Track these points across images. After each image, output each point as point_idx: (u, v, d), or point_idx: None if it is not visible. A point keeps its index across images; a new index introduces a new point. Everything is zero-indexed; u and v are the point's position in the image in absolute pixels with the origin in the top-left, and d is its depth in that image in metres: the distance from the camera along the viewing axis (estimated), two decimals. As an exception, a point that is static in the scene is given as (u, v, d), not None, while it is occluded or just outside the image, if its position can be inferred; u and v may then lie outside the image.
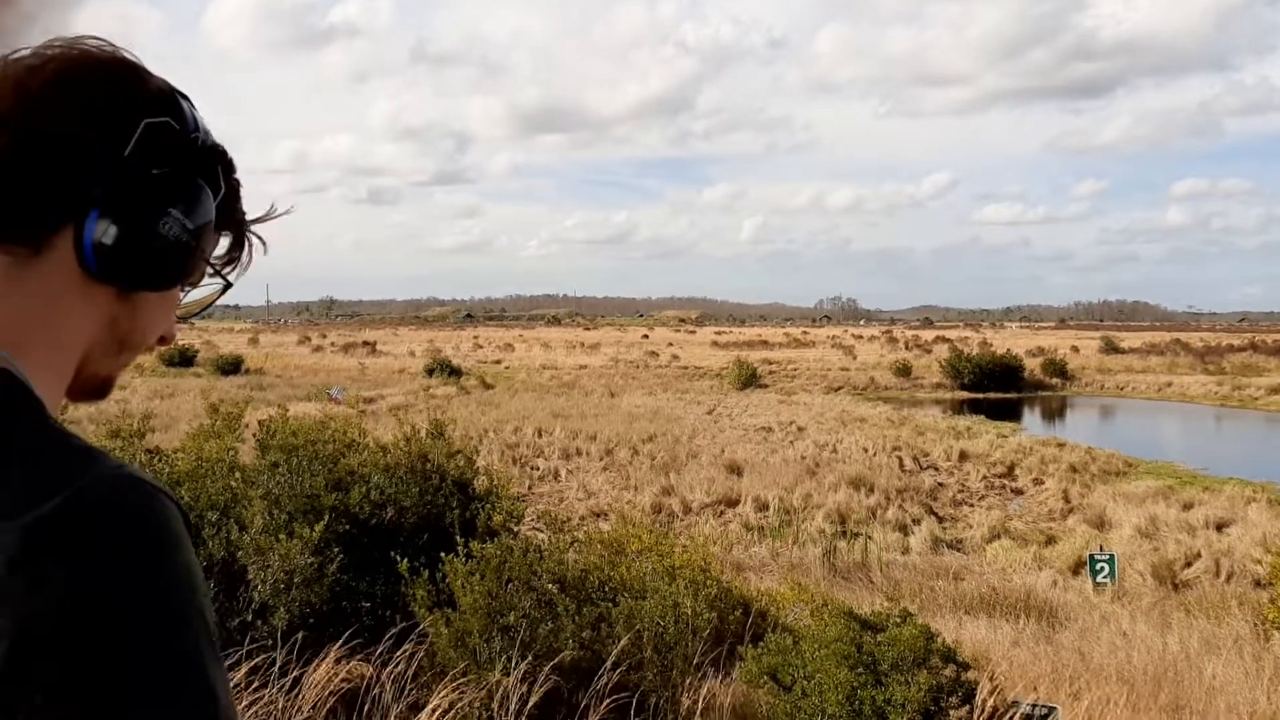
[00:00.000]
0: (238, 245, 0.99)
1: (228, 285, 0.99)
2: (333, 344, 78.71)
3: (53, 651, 0.68)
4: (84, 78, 0.86)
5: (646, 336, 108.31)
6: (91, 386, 0.93)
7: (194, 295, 0.98)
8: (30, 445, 0.76)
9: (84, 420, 24.65)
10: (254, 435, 8.85)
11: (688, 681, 5.86)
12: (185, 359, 51.56)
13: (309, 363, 58.08)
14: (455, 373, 47.71)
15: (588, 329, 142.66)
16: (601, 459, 24.34)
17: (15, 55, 0.86)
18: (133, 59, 0.90)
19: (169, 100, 0.90)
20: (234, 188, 0.96)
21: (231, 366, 49.88)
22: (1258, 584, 13.35)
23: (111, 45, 0.90)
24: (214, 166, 0.93)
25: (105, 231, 0.84)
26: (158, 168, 0.87)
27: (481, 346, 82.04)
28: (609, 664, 5.07)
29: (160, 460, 9.96)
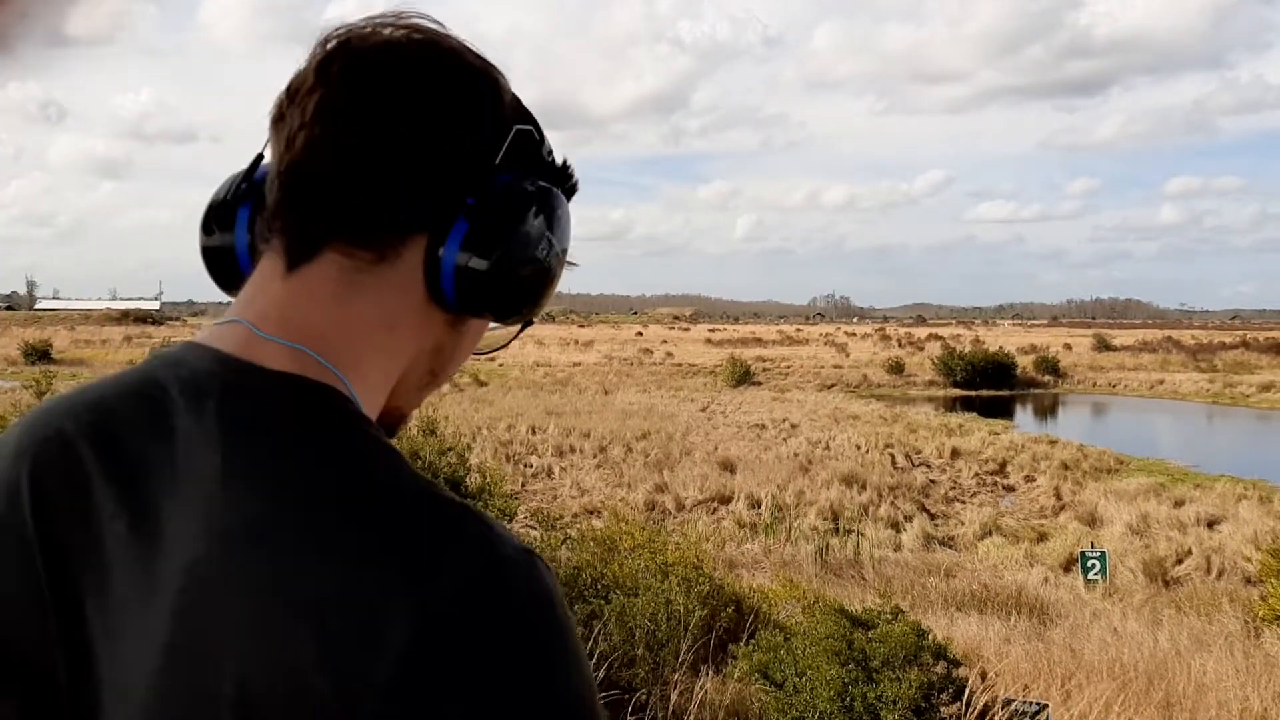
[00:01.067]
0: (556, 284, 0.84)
1: (529, 322, 0.85)
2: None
3: None
4: (462, 71, 0.76)
5: (641, 334, 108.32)
6: (389, 421, 0.81)
7: (492, 329, 0.86)
8: (395, 495, 0.65)
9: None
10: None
11: (680, 678, 5.87)
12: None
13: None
14: (448, 370, 47.63)
15: (582, 326, 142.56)
16: (595, 456, 24.34)
17: (375, 26, 0.76)
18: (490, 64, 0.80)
19: (525, 111, 0.81)
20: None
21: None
22: (1248, 581, 13.39)
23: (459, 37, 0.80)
24: (566, 188, 0.83)
25: (472, 256, 0.74)
26: (529, 182, 0.78)
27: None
28: (601, 661, 5.08)
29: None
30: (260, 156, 0.79)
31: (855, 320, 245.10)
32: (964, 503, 20.97)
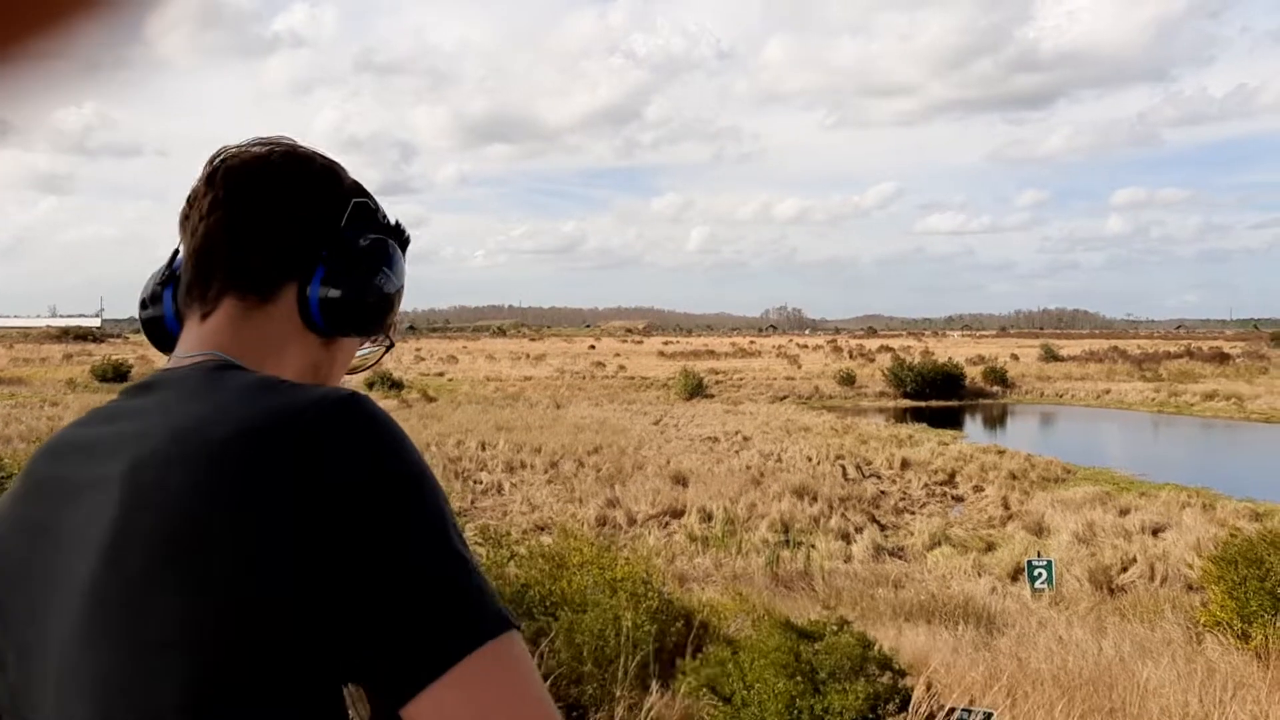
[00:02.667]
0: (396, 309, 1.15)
1: (391, 345, 1.19)
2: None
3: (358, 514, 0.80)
4: (311, 170, 1.05)
5: (593, 347, 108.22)
6: None
7: (361, 353, 1.16)
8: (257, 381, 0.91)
9: (14, 438, 24.10)
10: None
11: (628, 695, 5.84)
12: (119, 374, 50.47)
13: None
14: (396, 385, 47.18)
15: (533, 340, 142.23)
16: (546, 471, 24.25)
17: (245, 148, 1.05)
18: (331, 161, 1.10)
19: (362, 189, 1.10)
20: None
21: (169, 381, 48.83)
22: (1190, 588, 13.62)
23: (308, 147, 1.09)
24: (399, 241, 1.12)
25: (329, 289, 1.01)
26: (365, 236, 1.06)
27: (424, 358, 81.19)
28: (547, 679, 5.03)
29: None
30: (176, 251, 1.08)
31: (807, 332, 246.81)
32: (913, 513, 21.15)
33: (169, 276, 1.09)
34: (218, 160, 1.04)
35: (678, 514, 19.78)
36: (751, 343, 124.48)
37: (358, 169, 1.11)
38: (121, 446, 0.87)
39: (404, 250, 1.13)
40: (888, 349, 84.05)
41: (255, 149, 1.05)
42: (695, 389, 49.15)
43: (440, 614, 0.78)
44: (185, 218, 1.04)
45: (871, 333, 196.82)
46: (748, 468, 24.66)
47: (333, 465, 0.80)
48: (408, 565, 0.79)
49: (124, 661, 0.80)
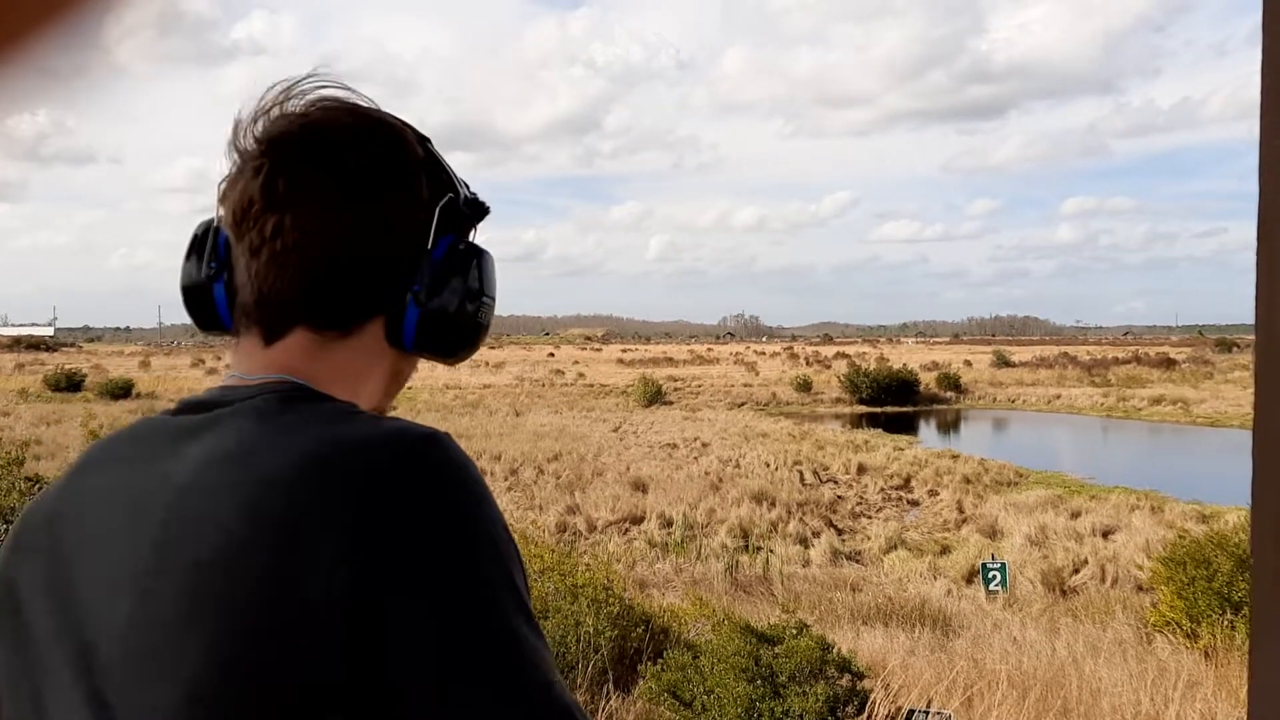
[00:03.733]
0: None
1: None
2: (228, 366, 76.57)
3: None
4: (392, 172, 0.91)
5: (552, 355, 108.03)
6: None
7: None
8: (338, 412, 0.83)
9: (-39, 447, 23.64)
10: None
11: (589, 700, 5.86)
12: (73, 384, 49.62)
13: (203, 386, 55.67)
14: (356, 393, 46.78)
15: (493, 348, 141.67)
16: (506, 479, 24.18)
17: (300, 123, 0.90)
18: (394, 121, 0.95)
19: (435, 163, 0.96)
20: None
21: (121, 391, 48.03)
22: (1140, 588, 13.87)
23: (370, 104, 0.95)
24: (480, 216, 1.00)
25: (424, 323, 0.91)
26: (462, 259, 0.94)
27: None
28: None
29: (41, 488, 9.57)
30: (217, 227, 0.93)
31: (764, 339, 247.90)
32: (870, 518, 21.33)
33: (216, 262, 0.93)
34: (271, 154, 0.89)
35: (638, 520, 19.81)
36: (709, 350, 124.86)
37: None
38: (170, 473, 0.80)
39: (482, 219, 1.01)
40: (844, 356, 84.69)
41: (315, 112, 0.91)
42: (654, 396, 49.23)
43: (492, 708, 0.70)
44: (237, 223, 0.90)
45: (828, 340, 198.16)
46: (706, 474, 24.74)
47: (398, 511, 0.72)
48: (461, 643, 0.70)
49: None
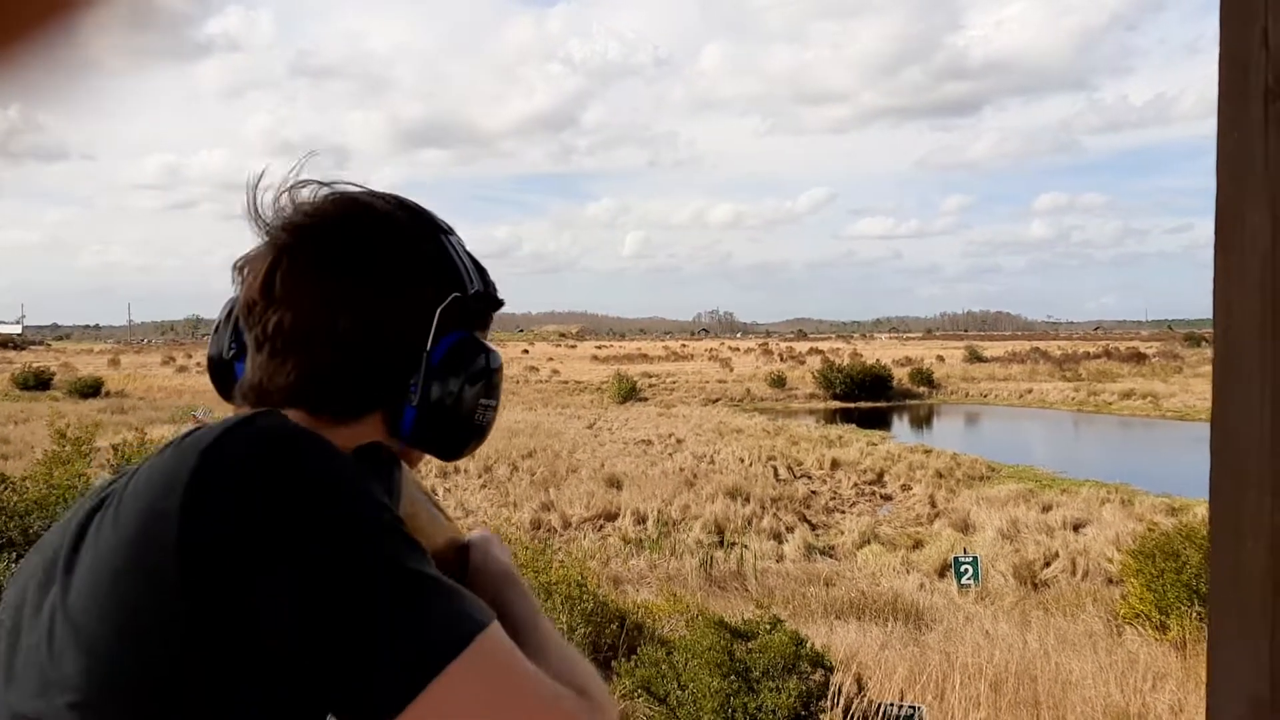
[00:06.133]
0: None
1: None
2: (198, 365, 76.00)
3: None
4: (400, 279, 0.92)
5: (527, 351, 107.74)
6: None
7: None
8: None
9: (-74, 447, 23.28)
10: (108, 460, 8.47)
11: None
12: (41, 382, 49.11)
13: (174, 384, 55.87)
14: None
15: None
16: (480, 476, 24.10)
17: (310, 199, 0.93)
18: (403, 217, 0.96)
19: (446, 258, 0.96)
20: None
21: (90, 389, 47.61)
22: (1110, 581, 14.00)
23: (382, 199, 0.96)
24: (492, 307, 1.02)
25: (424, 424, 0.93)
26: (463, 360, 0.94)
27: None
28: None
29: (8, 488, 9.46)
30: (232, 310, 0.97)
31: (739, 335, 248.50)
32: (844, 512, 21.43)
33: (236, 343, 0.97)
34: (282, 252, 0.90)
35: (612, 517, 19.80)
36: (684, 346, 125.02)
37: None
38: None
39: (495, 311, 1.02)
40: (817, 351, 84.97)
41: (325, 205, 0.93)
42: (629, 393, 49.27)
43: (400, 642, 0.71)
44: (249, 310, 0.92)
45: (801, 336, 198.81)
46: (681, 470, 24.77)
47: (225, 467, 0.75)
48: (350, 608, 0.71)
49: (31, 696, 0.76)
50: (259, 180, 0.94)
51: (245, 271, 0.93)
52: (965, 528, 19.05)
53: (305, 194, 0.94)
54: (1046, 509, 19.86)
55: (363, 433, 0.91)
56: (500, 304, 1.01)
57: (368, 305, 0.89)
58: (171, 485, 0.74)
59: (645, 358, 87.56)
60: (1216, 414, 0.74)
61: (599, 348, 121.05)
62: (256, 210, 0.93)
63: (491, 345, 0.98)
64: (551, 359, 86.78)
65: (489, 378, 0.96)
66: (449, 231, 0.98)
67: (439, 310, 0.92)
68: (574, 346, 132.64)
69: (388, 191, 0.98)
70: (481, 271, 0.99)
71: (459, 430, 0.94)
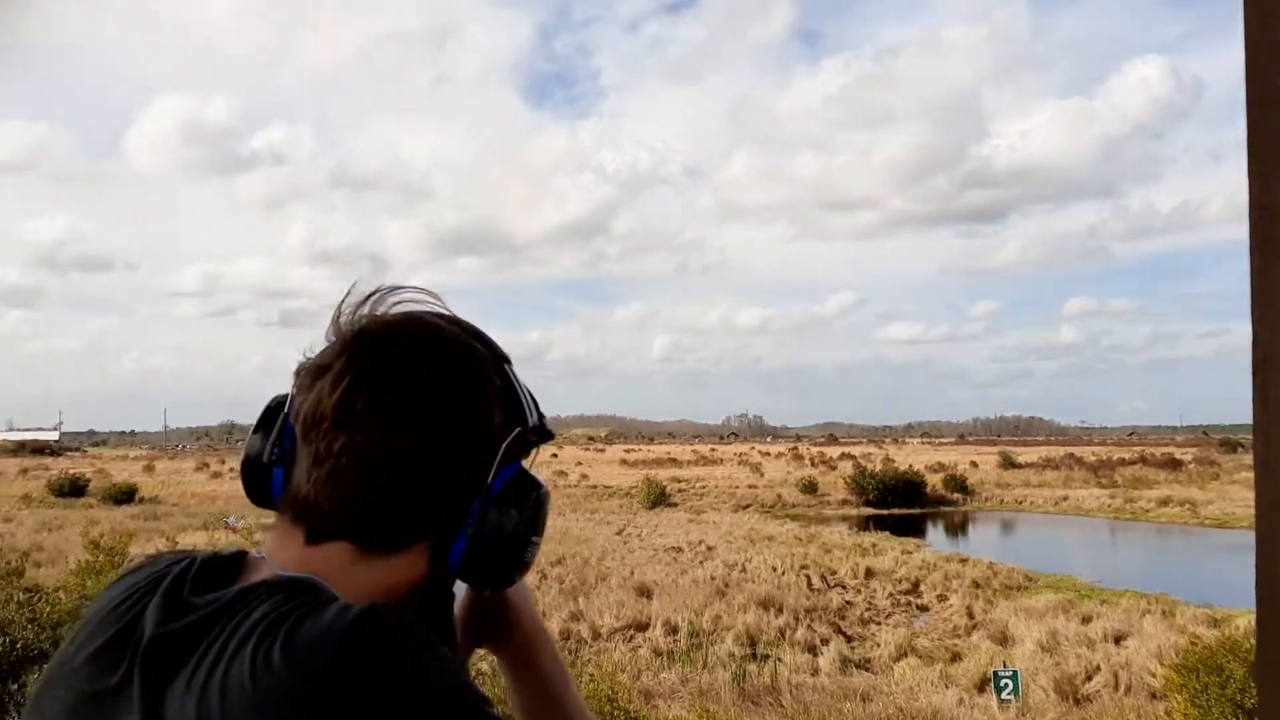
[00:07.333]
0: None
1: None
2: (231, 470, 76.35)
3: None
4: (467, 414, 0.93)
5: (555, 455, 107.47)
6: None
7: None
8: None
9: (-38, 553, 23.47)
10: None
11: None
12: (76, 488, 49.57)
13: (207, 490, 56.19)
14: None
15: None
16: (509, 584, 23.91)
17: (384, 352, 0.92)
18: (477, 346, 0.97)
19: (510, 389, 0.97)
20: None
21: (125, 495, 47.98)
22: (1154, 696, 13.65)
23: (458, 327, 0.98)
24: (540, 438, 1.00)
25: (475, 556, 0.93)
26: (520, 495, 0.95)
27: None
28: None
29: (41, 599, 9.52)
30: (285, 412, 0.96)
31: (769, 439, 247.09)
32: (879, 624, 21.06)
33: (280, 449, 0.96)
34: (351, 376, 0.91)
35: (642, 627, 19.56)
36: (713, 450, 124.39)
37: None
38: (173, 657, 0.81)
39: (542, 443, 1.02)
40: (849, 456, 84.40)
41: (401, 326, 0.95)
42: (658, 498, 49.02)
43: None
44: (309, 426, 0.92)
45: (832, 440, 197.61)
46: (712, 578, 24.50)
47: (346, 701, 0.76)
48: None
49: None
50: (350, 292, 0.96)
51: (313, 381, 0.93)
52: (1004, 640, 18.67)
53: (381, 307, 0.96)
54: (1086, 620, 19.46)
55: (405, 565, 0.91)
56: (552, 437, 1.01)
57: (437, 436, 0.90)
58: (295, 708, 0.75)
59: (674, 462, 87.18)
60: (1261, 521, 0.72)
61: (628, 451, 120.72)
62: (338, 315, 0.95)
63: (540, 477, 0.98)
64: (580, 463, 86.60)
65: (540, 512, 0.97)
66: (509, 361, 1.00)
67: (505, 443, 0.94)
68: (603, 450, 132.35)
69: (459, 317, 1.00)
70: (536, 403, 1.00)
71: (509, 563, 0.95)
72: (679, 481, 59.30)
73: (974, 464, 75.02)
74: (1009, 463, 75.46)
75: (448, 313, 0.99)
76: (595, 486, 58.91)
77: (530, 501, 0.95)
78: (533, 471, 0.98)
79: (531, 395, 0.99)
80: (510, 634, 1.14)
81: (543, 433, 0.99)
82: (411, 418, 0.89)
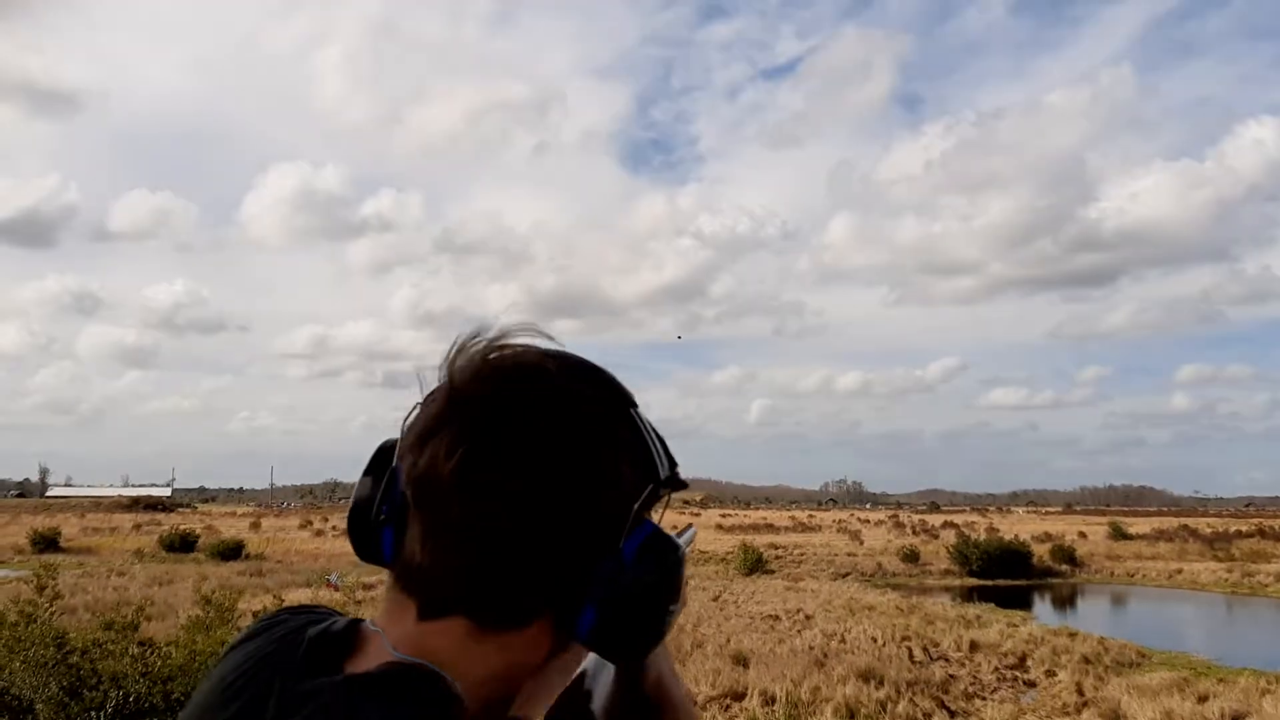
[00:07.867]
0: None
1: None
2: (334, 528, 78.05)
3: None
4: (594, 468, 0.84)
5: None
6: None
7: None
8: None
9: (79, 609, 24.49)
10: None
11: None
12: (186, 544, 51.18)
13: (310, 547, 57.47)
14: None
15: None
16: (606, 649, 23.93)
17: (488, 369, 0.85)
18: (598, 393, 0.89)
19: (638, 436, 0.88)
20: None
21: (231, 551, 49.46)
22: (1279, 784, 13.03)
23: (579, 374, 0.89)
24: (673, 485, 0.92)
25: (607, 624, 0.83)
26: (657, 560, 0.85)
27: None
28: None
29: (153, 653, 9.89)
30: (393, 474, 0.87)
31: (868, 506, 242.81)
32: (984, 699, 20.47)
33: (389, 507, 0.87)
34: (468, 442, 0.81)
35: (739, 696, 19.35)
36: (811, 516, 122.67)
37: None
38: None
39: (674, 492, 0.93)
40: (951, 524, 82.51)
41: (511, 394, 0.84)
42: (755, 564, 48.53)
43: None
44: (422, 497, 0.83)
45: (934, 508, 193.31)
46: (811, 648, 24.13)
47: None
48: None
49: None
50: (456, 344, 0.88)
51: (422, 444, 0.84)
52: (1116, 718, 18.00)
53: (493, 355, 0.87)
54: (1202, 699, 18.64)
55: (527, 645, 0.84)
56: (685, 486, 0.92)
57: (564, 501, 0.81)
58: None
59: (771, 528, 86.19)
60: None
61: (724, 515, 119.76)
62: (449, 363, 0.87)
63: (675, 536, 0.90)
64: (675, 527, 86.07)
65: (678, 576, 0.87)
66: (634, 404, 0.90)
67: (638, 503, 0.85)
68: (698, 514, 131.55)
69: (579, 358, 0.91)
70: (667, 448, 0.91)
71: (646, 632, 0.85)
72: (776, 548, 58.61)
73: (1082, 534, 72.53)
74: (1119, 533, 72.81)
75: (564, 354, 0.90)
76: (691, 552, 58.46)
77: (668, 565, 0.85)
78: (668, 530, 0.90)
79: (661, 440, 0.90)
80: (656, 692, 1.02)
81: (676, 483, 0.91)
82: (531, 484, 0.80)
